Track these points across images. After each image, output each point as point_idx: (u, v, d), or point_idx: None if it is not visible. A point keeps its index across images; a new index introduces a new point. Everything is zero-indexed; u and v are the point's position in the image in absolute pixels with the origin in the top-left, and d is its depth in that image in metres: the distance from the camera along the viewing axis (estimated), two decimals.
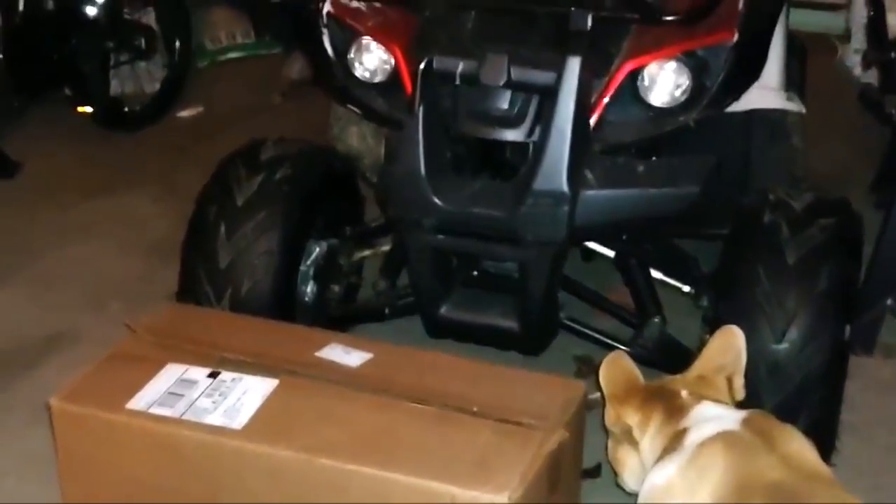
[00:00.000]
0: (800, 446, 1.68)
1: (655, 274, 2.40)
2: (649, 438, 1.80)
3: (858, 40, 4.53)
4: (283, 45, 4.74)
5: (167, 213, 3.41)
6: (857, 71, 4.50)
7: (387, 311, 2.50)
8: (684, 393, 1.82)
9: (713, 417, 1.75)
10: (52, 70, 3.90)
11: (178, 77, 4.35)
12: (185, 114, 4.32)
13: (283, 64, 4.56)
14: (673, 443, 1.73)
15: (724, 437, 1.68)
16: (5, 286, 3.07)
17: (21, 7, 3.72)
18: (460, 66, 2.09)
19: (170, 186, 3.63)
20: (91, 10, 3.96)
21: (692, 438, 1.71)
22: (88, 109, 3.97)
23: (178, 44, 4.29)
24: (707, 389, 1.84)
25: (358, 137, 2.70)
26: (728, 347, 1.88)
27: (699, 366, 1.89)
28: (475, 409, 1.88)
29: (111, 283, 3.07)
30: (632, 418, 1.82)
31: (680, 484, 1.67)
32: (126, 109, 4.21)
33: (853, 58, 4.61)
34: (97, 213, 3.50)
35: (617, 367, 1.87)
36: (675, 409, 1.79)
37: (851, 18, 4.64)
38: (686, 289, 2.40)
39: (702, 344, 2.01)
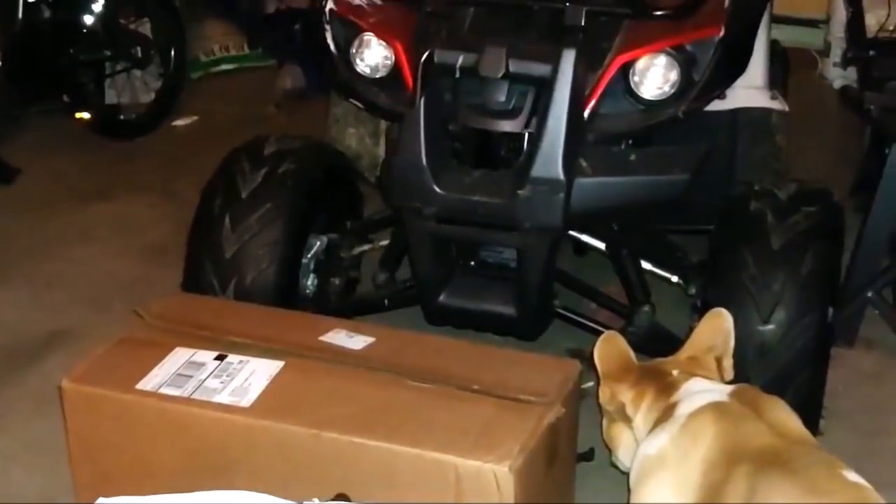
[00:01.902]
0: (786, 416, 1.74)
1: (645, 265, 2.46)
2: (642, 415, 1.85)
3: (837, 55, 4.66)
4: (275, 57, 4.82)
5: (164, 218, 3.46)
6: (837, 83, 4.63)
7: (386, 302, 2.55)
8: (675, 371, 1.87)
9: (703, 390, 1.80)
10: (50, 79, 3.95)
11: (173, 87, 4.40)
12: (180, 123, 4.37)
13: (277, 75, 4.64)
14: (664, 416, 1.79)
15: (713, 407, 1.73)
16: (7, 286, 3.10)
17: (20, 17, 3.77)
18: (460, 59, 2.15)
19: (166, 193, 3.68)
20: (88, 20, 4.04)
21: (683, 409, 1.76)
22: (87, 115, 4.02)
23: (173, 54, 4.34)
24: (697, 369, 1.89)
25: (356, 139, 2.78)
26: (717, 329, 1.93)
27: (689, 347, 1.94)
28: (476, 386, 1.94)
29: (111, 284, 3.10)
30: (625, 395, 1.87)
31: (672, 452, 1.72)
32: (122, 118, 4.27)
33: (832, 71, 4.75)
34: (95, 218, 3.54)
35: (611, 346, 1.92)
36: (666, 386, 1.84)
37: (830, 34, 4.78)
38: (675, 279, 2.47)
39: (690, 331, 2.04)
